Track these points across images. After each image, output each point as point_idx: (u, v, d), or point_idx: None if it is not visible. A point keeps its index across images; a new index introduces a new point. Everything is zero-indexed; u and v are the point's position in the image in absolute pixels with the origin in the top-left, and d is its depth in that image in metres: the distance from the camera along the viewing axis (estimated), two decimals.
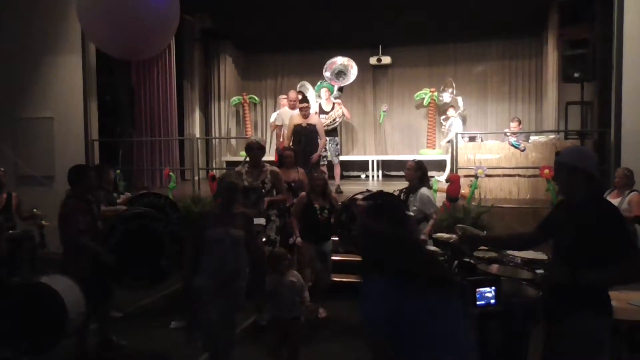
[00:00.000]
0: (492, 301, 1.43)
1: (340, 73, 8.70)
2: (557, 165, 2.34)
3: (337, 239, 4.81)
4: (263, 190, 4.57)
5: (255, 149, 4.70)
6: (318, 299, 4.52)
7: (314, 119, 6.69)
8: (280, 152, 5.59)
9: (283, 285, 3.47)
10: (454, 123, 8.91)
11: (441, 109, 9.75)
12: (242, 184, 3.58)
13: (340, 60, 8.69)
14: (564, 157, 2.31)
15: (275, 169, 4.86)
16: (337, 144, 7.75)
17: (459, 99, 9.35)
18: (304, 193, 4.82)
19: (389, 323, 1.53)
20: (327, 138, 7.54)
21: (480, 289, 1.42)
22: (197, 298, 3.30)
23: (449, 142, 8.60)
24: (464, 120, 9.34)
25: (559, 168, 2.33)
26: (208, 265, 3.32)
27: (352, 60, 8.69)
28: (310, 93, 8.98)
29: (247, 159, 4.82)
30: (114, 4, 4.71)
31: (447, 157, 8.65)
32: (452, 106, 9.18)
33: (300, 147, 6.36)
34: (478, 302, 1.42)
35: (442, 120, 9.28)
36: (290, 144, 6.56)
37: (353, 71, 8.66)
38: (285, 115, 7.29)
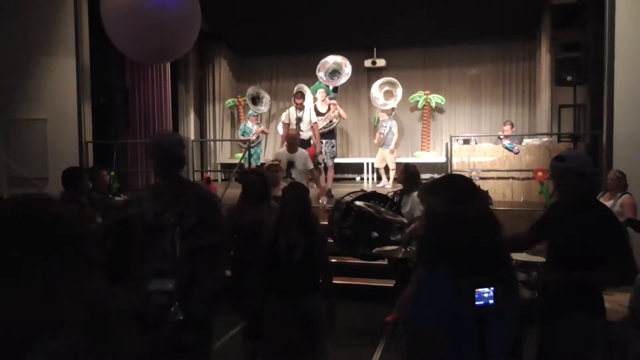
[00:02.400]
0: (491, 301, 1.41)
1: (335, 72, 8.57)
2: (563, 170, 2.28)
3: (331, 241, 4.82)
4: (178, 229, 2.47)
5: (167, 156, 2.58)
6: None
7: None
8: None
9: None
10: (391, 126, 8.82)
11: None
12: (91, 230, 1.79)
13: (332, 60, 8.59)
14: (570, 162, 2.27)
15: (206, 190, 3.00)
16: (333, 146, 7.60)
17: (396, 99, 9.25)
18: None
19: (444, 324, 1.40)
20: (324, 140, 7.36)
21: (479, 289, 1.40)
22: None
23: (392, 151, 8.56)
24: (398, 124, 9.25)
25: (564, 173, 2.28)
26: None
27: (345, 59, 8.59)
28: (308, 95, 8.91)
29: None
30: (139, 8, 4.68)
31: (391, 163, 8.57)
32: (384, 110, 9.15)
33: None
34: (477, 302, 1.40)
35: (382, 122, 9.05)
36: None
37: (347, 70, 8.54)
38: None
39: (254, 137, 8.86)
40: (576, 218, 2.24)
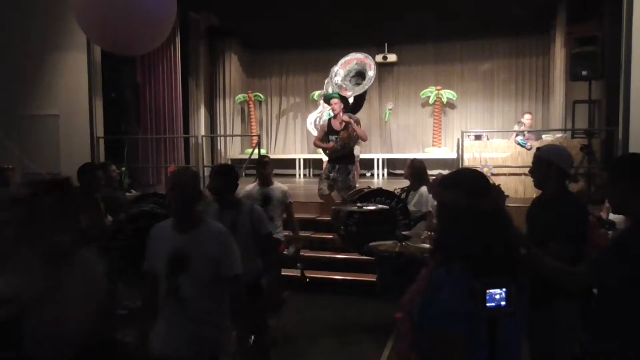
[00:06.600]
0: (503, 303, 1.37)
1: (359, 74, 7.41)
2: (535, 159, 2.54)
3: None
4: None
5: None
6: None
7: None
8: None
9: None
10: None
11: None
12: None
13: (356, 57, 7.56)
14: (542, 153, 2.53)
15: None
16: (349, 174, 5.75)
17: None
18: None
19: (460, 322, 1.36)
20: (337, 165, 5.75)
21: (491, 290, 1.36)
22: None
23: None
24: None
25: (536, 162, 2.53)
26: None
27: (370, 59, 7.64)
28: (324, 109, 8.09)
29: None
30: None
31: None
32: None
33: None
34: (488, 304, 1.35)
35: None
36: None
37: (371, 74, 7.47)
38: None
39: None
40: (547, 209, 2.43)
